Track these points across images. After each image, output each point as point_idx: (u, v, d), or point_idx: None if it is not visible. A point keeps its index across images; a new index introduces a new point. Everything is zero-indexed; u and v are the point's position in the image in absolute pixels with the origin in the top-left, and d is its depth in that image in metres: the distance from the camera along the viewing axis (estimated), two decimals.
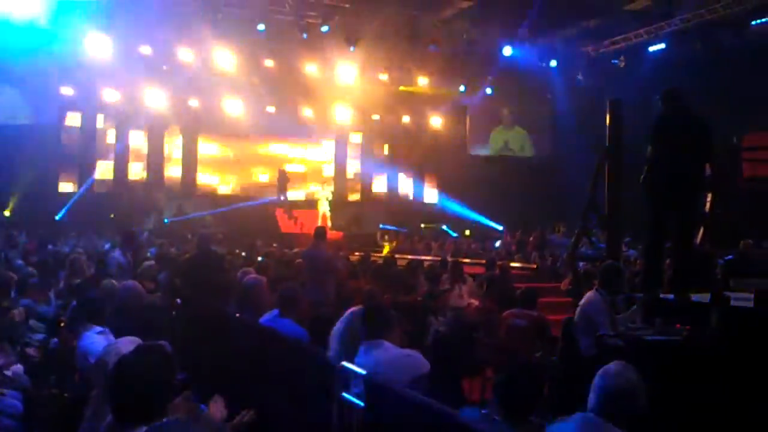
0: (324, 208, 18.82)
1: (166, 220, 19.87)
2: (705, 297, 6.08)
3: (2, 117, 18.54)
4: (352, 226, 20.75)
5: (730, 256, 8.87)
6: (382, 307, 4.23)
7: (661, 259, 6.88)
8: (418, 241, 19.77)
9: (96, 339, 4.71)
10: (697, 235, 7.99)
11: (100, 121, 21.51)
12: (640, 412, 2.99)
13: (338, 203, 21.24)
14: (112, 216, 18.98)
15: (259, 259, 11.21)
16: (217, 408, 3.28)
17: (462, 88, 23.07)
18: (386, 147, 25.11)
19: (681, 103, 6.60)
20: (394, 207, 23.34)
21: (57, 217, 18.76)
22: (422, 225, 22.52)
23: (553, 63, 20.73)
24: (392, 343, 3.92)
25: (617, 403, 2.97)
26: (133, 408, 2.82)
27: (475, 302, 8.20)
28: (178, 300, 7.13)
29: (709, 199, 7.57)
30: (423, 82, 22.05)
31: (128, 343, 3.49)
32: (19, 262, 9.85)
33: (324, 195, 19.42)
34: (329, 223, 18.11)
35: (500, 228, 21.88)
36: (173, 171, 22.83)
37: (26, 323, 7.04)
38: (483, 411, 3.32)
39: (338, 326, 4.37)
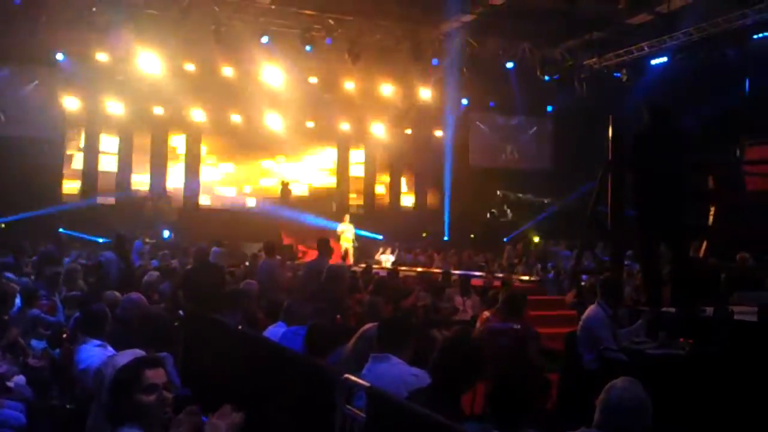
0: (347, 245, 18.46)
1: (168, 234, 19.85)
2: (709, 311, 6.07)
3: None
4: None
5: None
6: (397, 322, 4.22)
7: (659, 273, 6.89)
8: (420, 252, 19.74)
9: (94, 352, 4.69)
10: (699, 248, 8.00)
11: (103, 131, 21.59)
12: (646, 429, 2.97)
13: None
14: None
15: None
16: (222, 419, 3.23)
17: (464, 101, 23.18)
18: (388, 159, 25.14)
19: (664, 117, 6.67)
20: (396, 218, 23.34)
21: None
22: (423, 234, 22.50)
23: (556, 76, 20.77)
24: (402, 359, 3.90)
25: (623, 420, 2.95)
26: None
27: (487, 313, 8.11)
28: (181, 312, 7.13)
29: (712, 212, 7.60)
30: (425, 94, 22.12)
31: (128, 356, 3.48)
32: (24, 279, 9.79)
33: (347, 229, 18.91)
34: (351, 260, 17.75)
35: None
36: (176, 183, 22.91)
37: (34, 331, 7.04)
38: (480, 425, 3.28)
39: (352, 341, 4.40)
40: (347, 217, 19.30)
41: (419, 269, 15.29)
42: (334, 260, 9.11)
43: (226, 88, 20.28)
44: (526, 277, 14.15)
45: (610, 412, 2.98)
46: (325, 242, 10.03)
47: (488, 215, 21.04)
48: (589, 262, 10.84)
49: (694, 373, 5.24)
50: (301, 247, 17.57)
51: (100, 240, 17.42)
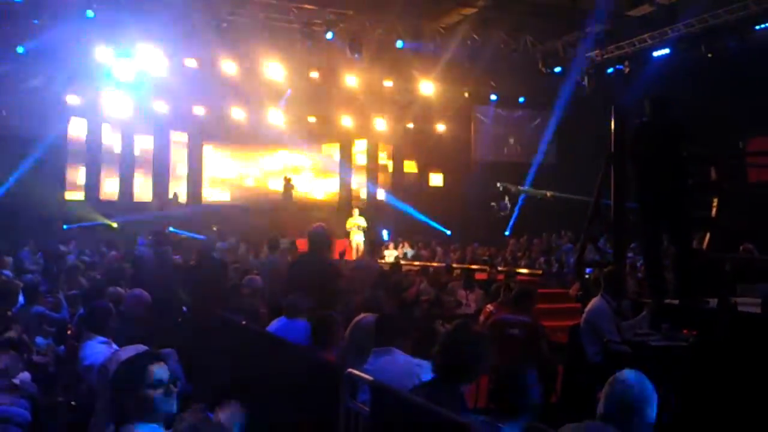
0: (358, 239, 18.07)
1: (171, 228, 19.83)
2: (712, 302, 6.07)
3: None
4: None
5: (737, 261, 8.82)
6: (393, 315, 4.23)
7: (662, 265, 6.89)
8: (423, 246, 19.74)
9: (98, 349, 4.70)
10: (702, 239, 8.00)
11: (105, 129, 21.59)
12: (650, 421, 2.97)
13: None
14: None
15: None
16: (228, 413, 3.24)
17: (466, 94, 23.11)
18: (391, 153, 25.13)
19: (665, 111, 6.67)
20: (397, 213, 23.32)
21: None
22: None
23: (558, 68, 20.72)
24: (403, 351, 3.92)
25: (627, 412, 2.94)
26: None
27: (490, 307, 8.10)
28: (184, 308, 7.15)
29: (714, 203, 7.58)
30: (427, 88, 22.08)
31: (132, 351, 3.48)
32: (28, 276, 9.81)
33: (357, 223, 18.56)
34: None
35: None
36: (179, 180, 22.91)
37: (39, 328, 7.06)
38: (482, 418, 3.29)
39: (348, 332, 4.41)
40: (356, 211, 19.13)
41: (423, 263, 15.29)
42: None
43: (226, 84, 20.24)
44: (529, 270, 14.17)
45: (613, 405, 2.98)
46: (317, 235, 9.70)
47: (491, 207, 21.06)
48: (593, 254, 10.86)
49: (697, 364, 5.24)
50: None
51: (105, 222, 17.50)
